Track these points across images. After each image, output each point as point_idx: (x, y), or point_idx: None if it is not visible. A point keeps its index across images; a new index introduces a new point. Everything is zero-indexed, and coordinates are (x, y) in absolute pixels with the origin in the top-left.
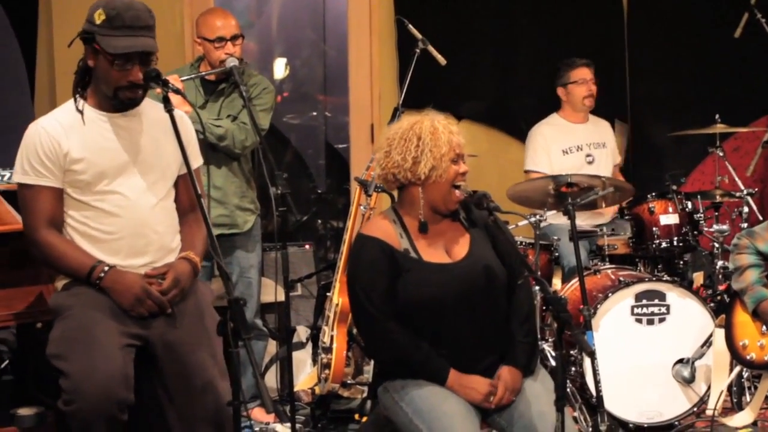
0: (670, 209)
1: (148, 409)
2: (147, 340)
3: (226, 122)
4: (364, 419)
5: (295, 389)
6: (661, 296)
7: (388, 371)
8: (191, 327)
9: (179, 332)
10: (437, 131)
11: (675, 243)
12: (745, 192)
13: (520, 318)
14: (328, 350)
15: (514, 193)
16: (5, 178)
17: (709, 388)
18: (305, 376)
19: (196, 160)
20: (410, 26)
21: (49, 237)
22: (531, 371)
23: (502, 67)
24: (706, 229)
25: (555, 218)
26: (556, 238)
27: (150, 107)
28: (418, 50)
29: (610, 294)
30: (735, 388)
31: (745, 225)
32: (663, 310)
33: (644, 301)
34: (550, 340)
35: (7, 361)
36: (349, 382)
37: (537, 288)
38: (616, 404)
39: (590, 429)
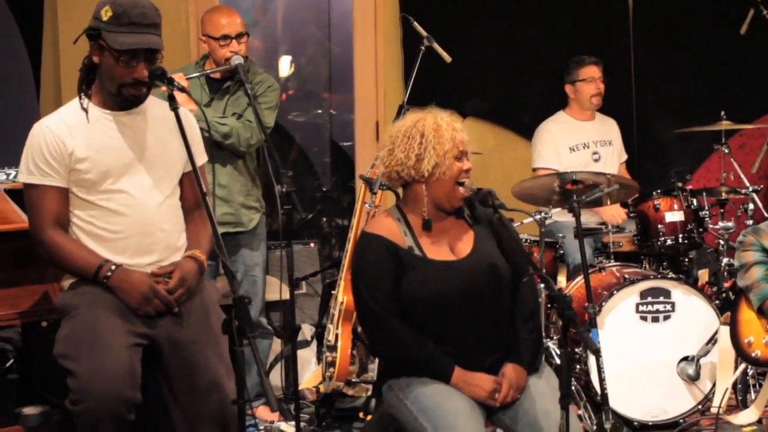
0: (676, 206)
1: (154, 407)
2: (154, 339)
3: (231, 120)
4: (369, 417)
5: (300, 387)
6: (666, 294)
7: (393, 369)
8: (197, 326)
9: (185, 331)
10: (440, 128)
11: (680, 240)
12: (750, 189)
13: (524, 315)
14: (332, 348)
15: (519, 191)
16: (10, 177)
17: (714, 385)
18: (310, 374)
19: (201, 158)
20: (415, 24)
21: (56, 237)
22: (536, 369)
23: (507, 64)
24: (711, 226)
25: (560, 215)
26: (561, 235)
27: (154, 105)
28: (423, 48)
29: (615, 291)
30: (740, 386)
31: (751, 222)
32: (668, 307)
33: (649, 299)
34: (554, 337)
35: (12, 360)
36: (353, 380)
37: (542, 285)
38: (620, 402)
39: (595, 427)
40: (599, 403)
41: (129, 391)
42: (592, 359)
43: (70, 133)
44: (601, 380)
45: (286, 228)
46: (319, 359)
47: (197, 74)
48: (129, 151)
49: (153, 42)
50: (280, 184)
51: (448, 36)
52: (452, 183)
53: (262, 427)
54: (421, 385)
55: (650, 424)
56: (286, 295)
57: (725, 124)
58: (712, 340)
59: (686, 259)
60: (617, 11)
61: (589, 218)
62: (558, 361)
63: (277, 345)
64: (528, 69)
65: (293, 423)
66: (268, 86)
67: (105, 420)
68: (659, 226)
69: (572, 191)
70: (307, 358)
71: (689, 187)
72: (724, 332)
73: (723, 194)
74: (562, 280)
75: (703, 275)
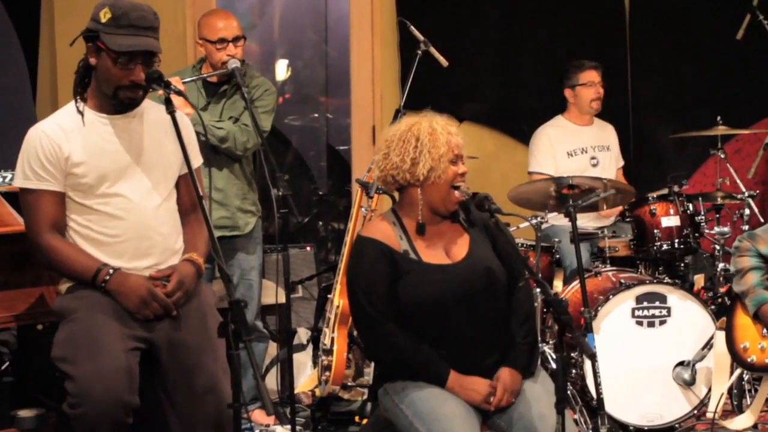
0: (672, 211)
1: (151, 411)
2: (152, 342)
3: (228, 124)
4: (365, 421)
5: (296, 391)
6: (662, 299)
7: (389, 373)
8: (195, 329)
9: (183, 334)
10: (435, 132)
11: (676, 245)
12: (746, 194)
13: (519, 319)
14: (328, 352)
15: (516, 195)
16: (6, 180)
17: (709, 390)
18: (306, 378)
19: (196, 160)
20: (412, 28)
21: (53, 241)
22: (531, 373)
23: (504, 68)
24: (707, 231)
25: (556, 219)
26: (557, 240)
27: (149, 108)
28: (419, 52)
29: (611, 296)
30: (735, 391)
31: (747, 227)
32: (664, 312)
33: (645, 304)
34: (550, 342)
35: (7, 363)
36: (349, 384)
37: (538, 290)
38: (616, 407)
39: (590, 431)
40: (595, 408)
41: (127, 395)
42: (588, 364)
43: (66, 137)
44: (597, 385)
45: (282, 231)
46: (314, 363)
47: (194, 78)
48: (125, 154)
49: (151, 45)
50: (276, 187)
51: (445, 40)
52: (447, 187)
53: (257, 431)
54: (416, 389)
55: (646, 428)
56: (282, 299)
57: (721, 129)
58: (708, 345)
59: (682, 264)
60: (614, 16)
61: (586, 222)
62: (554, 365)
63: (273, 348)
64: (525, 73)
65: (289, 427)
66: (264, 90)
67: (103, 424)
68: (655, 231)
69: (568, 196)
70: (302, 361)
71: (685, 192)
72: (720, 337)
73: (719, 199)
74: (558, 284)
75: (699, 280)
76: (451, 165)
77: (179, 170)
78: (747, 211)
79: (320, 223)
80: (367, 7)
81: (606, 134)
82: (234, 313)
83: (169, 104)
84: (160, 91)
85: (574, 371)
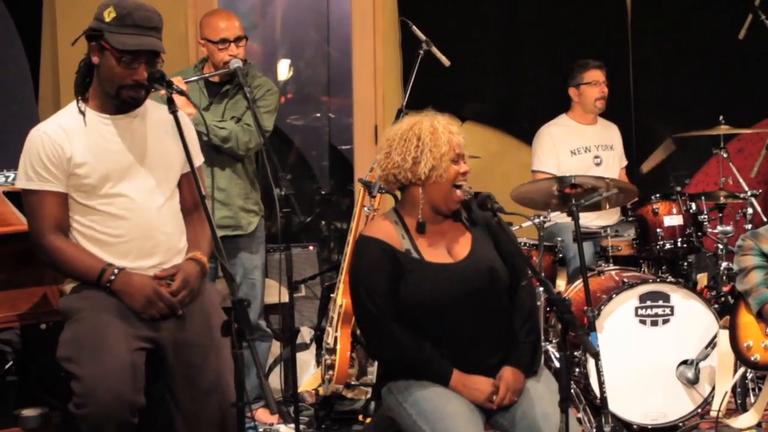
0: (674, 210)
1: (157, 411)
2: (158, 342)
3: (230, 124)
4: (368, 420)
5: (299, 390)
6: (665, 297)
7: (392, 372)
8: (199, 328)
9: (188, 334)
10: (437, 131)
11: (679, 244)
12: (749, 193)
13: (522, 318)
14: (331, 351)
15: (518, 195)
16: (9, 179)
17: (713, 389)
18: (309, 377)
19: (198, 158)
20: (414, 27)
21: (57, 242)
22: (534, 371)
23: (506, 68)
24: (710, 230)
25: (560, 217)
26: (560, 239)
27: (151, 108)
28: (421, 51)
29: (614, 295)
30: (739, 390)
31: (749, 226)
32: (667, 311)
33: (648, 303)
34: (554, 341)
35: (11, 362)
36: (352, 383)
37: (541, 289)
38: (620, 405)
39: (594, 430)
40: (598, 407)
41: (133, 395)
42: (591, 363)
43: (67, 137)
44: (601, 384)
45: (285, 231)
46: (318, 362)
47: (196, 78)
48: (128, 154)
49: (155, 45)
50: (278, 187)
51: (447, 40)
52: (449, 186)
53: (261, 430)
54: (420, 388)
55: (649, 427)
56: (285, 298)
57: (724, 129)
58: (711, 343)
59: (685, 263)
60: (616, 15)
61: (589, 222)
62: (557, 364)
63: (276, 348)
64: (527, 73)
65: (292, 425)
66: (266, 90)
67: (109, 423)
68: (658, 230)
69: (571, 195)
70: (306, 360)
71: (688, 191)
72: (724, 336)
73: (721, 198)
74: (561, 283)
75: (702, 279)
76: (453, 164)
77: (181, 169)
78: (750, 210)
79: (323, 222)
80: (368, 6)
81: (610, 134)
82: (237, 312)
83: (171, 104)
84: (163, 91)
85: (577, 370)
